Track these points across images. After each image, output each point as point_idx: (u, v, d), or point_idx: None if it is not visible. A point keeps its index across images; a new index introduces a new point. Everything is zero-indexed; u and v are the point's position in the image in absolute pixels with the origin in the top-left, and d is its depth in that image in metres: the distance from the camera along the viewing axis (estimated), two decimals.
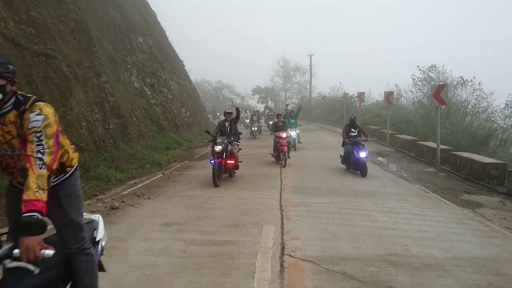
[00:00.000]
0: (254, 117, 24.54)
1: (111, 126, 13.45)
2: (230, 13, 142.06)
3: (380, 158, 14.73)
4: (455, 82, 21.57)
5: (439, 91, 12.24)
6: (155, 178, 10.57)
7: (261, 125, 25.88)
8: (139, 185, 9.51)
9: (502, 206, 8.07)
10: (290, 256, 4.72)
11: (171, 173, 11.32)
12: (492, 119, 22.85)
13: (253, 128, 23.47)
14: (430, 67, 22.75)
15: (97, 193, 8.58)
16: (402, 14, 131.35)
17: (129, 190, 8.93)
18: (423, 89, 22.38)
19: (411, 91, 24.58)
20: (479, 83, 20.73)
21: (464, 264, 4.63)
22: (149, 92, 20.09)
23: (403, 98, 27.34)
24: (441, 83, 15.08)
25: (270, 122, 23.55)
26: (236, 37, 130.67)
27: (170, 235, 5.55)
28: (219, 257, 4.70)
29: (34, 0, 11.72)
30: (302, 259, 4.60)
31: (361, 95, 25.35)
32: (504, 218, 7.09)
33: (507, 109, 24.05)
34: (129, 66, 19.07)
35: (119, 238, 5.39)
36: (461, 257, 4.84)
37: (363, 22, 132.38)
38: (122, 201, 7.68)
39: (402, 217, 6.71)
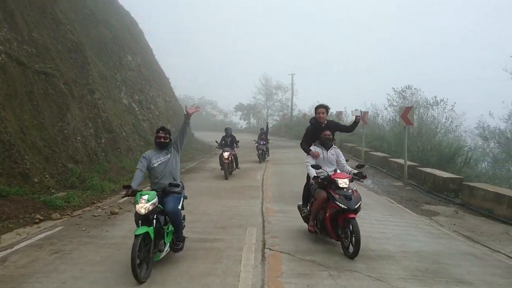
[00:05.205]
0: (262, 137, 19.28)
1: (103, 140, 14.27)
2: (213, 31, 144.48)
3: None
4: (431, 102, 23.37)
5: (406, 113, 13.53)
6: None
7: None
8: None
9: (455, 215, 9.24)
10: (270, 249, 5.71)
11: None
12: (463, 138, 24.63)
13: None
14: (405, 87, 24.68)
15: (95, 201, 9.39)
16: (380, 35, 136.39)
17: (124, 199, 9.73)
18: (397, 109, 23.98)
19: (386, 109, 26.26)
20: (452, 105, 22.53)
21: (410, 256, 5.70)
22: (137, 108, 20.95)
23: (379, 117, 28.88)
24: (407, 106, 16.49)
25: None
26: (219, 55, 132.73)
27: None
28: (210, 250, 5.66)
29: (35, 22, 12.61)
30: (280, 252, 5.60)
31: (339, 114, 26.72)
32: (454, 224, 8.23)
33: (477, 129, 26.02)
34: (118, 83, 19.92)
35: (123, 236, 6.28)
36: (410, 251, 5.91)
37: (344, 41, 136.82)
38: (120, 208, 8.53)
39: (367, 222, 7.77)
